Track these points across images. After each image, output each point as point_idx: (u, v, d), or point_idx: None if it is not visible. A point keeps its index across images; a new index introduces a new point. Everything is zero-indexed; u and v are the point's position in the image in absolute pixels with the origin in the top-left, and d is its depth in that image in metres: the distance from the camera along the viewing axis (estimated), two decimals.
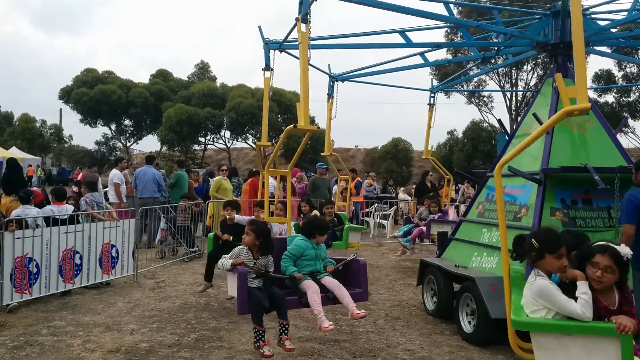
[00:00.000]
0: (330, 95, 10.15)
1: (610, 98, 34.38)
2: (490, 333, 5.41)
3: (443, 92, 30.57)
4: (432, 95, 11.02)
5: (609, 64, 34.39)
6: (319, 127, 5.00)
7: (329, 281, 5.05)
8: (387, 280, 8.72)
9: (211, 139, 44.19)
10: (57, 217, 7.13)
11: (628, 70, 32.32)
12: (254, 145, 40.72)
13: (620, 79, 32.44)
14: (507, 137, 7.25)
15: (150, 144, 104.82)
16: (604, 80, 32.11)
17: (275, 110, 36.24)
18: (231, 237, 6.74)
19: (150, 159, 12.38)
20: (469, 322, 5.69)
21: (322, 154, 10.76)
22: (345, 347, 5.34)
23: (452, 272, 6.11)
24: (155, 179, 11.58)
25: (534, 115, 6.02)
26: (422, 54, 8.82)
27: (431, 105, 10.97)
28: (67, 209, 8.02)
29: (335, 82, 10.14)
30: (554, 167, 5.67)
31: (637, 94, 33.89)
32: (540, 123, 5.94)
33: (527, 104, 35.44)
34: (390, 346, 5.43)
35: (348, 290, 4.99)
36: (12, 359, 4.83)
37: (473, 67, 16.56)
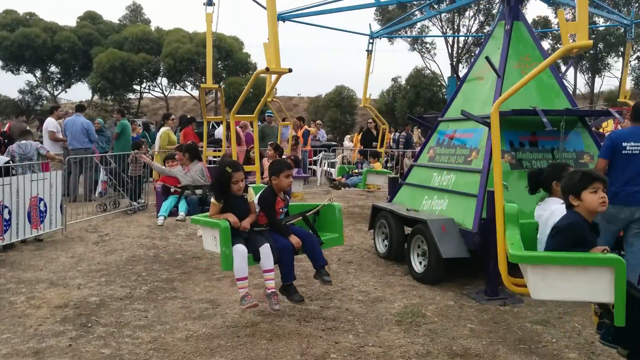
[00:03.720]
0: None
1: (546, 45, 35.41)
2: (441, 272, 5.59)
3: (387, 38, 30.42)
4: (371, 41, 10.73)
5: (546, 10, 35.26)
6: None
7: None
8: None
9: (147, 87, 42.30)
10: None
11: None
12: (195, 93, 39.53)
13: (556, 25, 33.36)
14: (457, 82, 7.29)
15: (80, 92, 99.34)
16: (541, 26, 32.93)
17: (215, 57, 34.98)
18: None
19: (80, 107, 11.70)
20: (420, 263, 5.84)
21: (270, 100, 10.41)
22: (301, 291, 5.34)
23: (404, 216, 6.21)
24: (84, 129, 10.96)
25: (486, 58, 6.04)
26: None
27: (369, 52, 10.70)
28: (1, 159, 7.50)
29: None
30: (505, 110, 5.75)
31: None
32: (492, 66, 6.00)
33: (468, 50, 36.03)
34: (345, 289, 5.51)
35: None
36: None
37: (416, 12, 16.45)
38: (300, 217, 4.89)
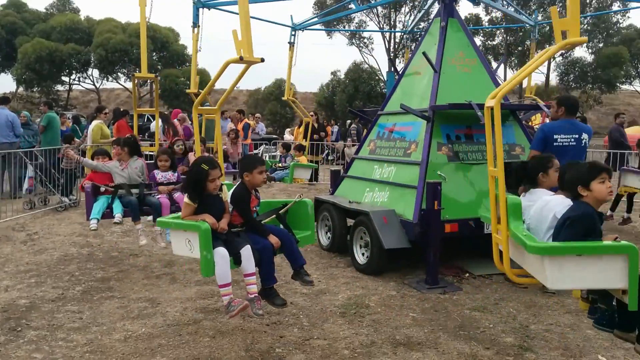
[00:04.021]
0: (195, 24, 8.96)
1: (477, 41, 36.71)
2: (383, 263, 5.68)
3: (325, 33, 30.55)
4: (293, 33, 10.53)
5: (477, 9, 36.56)
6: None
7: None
8: None
9: (77, 79, 40.41)
10: None
11: (493, 15, 34.61)
12: (129, 85, 38.11)
13: (487, 23, 34.68)
14: (396, 76, 7.41)
15: (3, 83, 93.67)
16: (472, 23, 34.06)
17: (149, 48, 33.89)
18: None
19: (4, 100, 10.99)
20: (363, 254, 5.91)
21: (187, 91, 9.93)
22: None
23: (347, 208, 6.26)
24: (9, 123, 10.31)
25: (424, 54, 6.17)
26: None
27: (291, 44, 10.51)
28: None
29: (201, 9, 8.97)
30: (442, 104, 5.90)
31: (500, 37, 36.53)
32: (430, 61, 6.13)
33: (404, 46, 36.75)
34: (288, 282, 5.46)
35: None
36: None
37: (351, 4, 16.48)
38: (274, 216, 4.54)
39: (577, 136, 5.04)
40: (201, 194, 3.93)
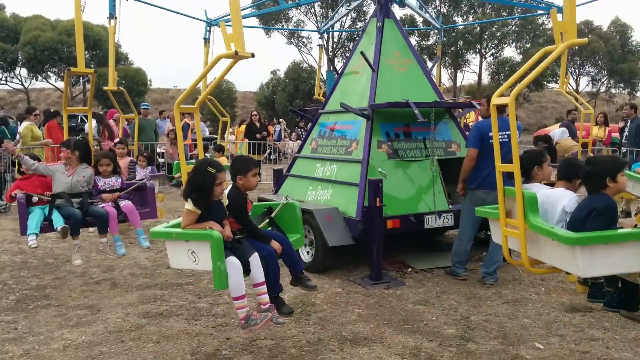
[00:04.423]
0: (112, 16, 8.33)
1: (413, 41, 37.64)
2: (328, 260, 5.74)
3: (264, 31, 30.41)
4: (208, 29, 10.33)
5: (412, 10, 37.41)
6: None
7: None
8: None
9: (3, 78, 38.28)
10: None
11: (427, 16, 35.55)
12: (60, 85, 36.46)
13: (421, 24, 35.59)
14: (335, 76, 7.49)
15: None
16: (407, 24, 34.88)
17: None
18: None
19: None
20: (307, 253, 5.95)
21: (104, 87, 9.33)
22: (189, 289, 5.23)
23: None
24: None
25: (362, 53, 6.28)
26: None
27: (206, 40, 10.31)
28: None
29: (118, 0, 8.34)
30: (381, 102, 6.03)
31: (434, 38, 37.63)
32: (368, 61, 6.25)
33: (342, 45, 37.20)
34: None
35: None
36: None
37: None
38: (267, 220, 4.37)
39: (509, 132, 5.28)
40: (208, 200, 3.62)
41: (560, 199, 3.53)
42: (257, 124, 14.40)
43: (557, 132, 11.38)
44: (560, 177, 3.81)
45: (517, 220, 3.37)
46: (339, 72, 7.33)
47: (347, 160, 6.18)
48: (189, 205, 3.59)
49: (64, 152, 5.51)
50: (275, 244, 3.90)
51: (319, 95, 10.68)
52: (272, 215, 4.36)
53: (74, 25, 6.79)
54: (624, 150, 10.46)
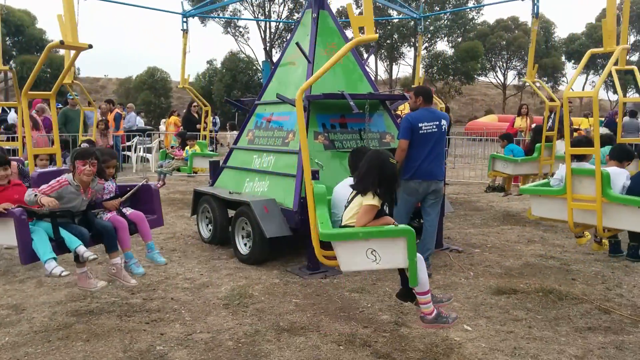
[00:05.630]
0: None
1: (349, 33, 37.91)
2: (265, 252, 5.74)
3: (198, 19, 29.75)
4: (185, 20, 10.42)
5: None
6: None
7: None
8: None
9: None
10: None
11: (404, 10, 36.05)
12: None
13: (395, 13, 35.97)
14: (272, 66, 7.43)
15: None
16: (344, 16, 35.10)
17: (2, 32, 30.60)
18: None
19: None
20: (245, 244, 5.92)
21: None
22: (121, 285, 5.06)
23: (227, 199, 6.21)
24: None
25: (297, 44, 6.27)
26: None
27: (185, 31, 10.41)
28: None
29: None
30: (317, 94, 6.06)
31: (381, 32, 38.13)
32: (303, 52, 6.25)
33: (280, 36, 36.93)
34: (169, 277, 5.35)
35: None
36: None
37: None
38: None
39: (437, 123, 5.44)
40: (392, 194, 3.42)
41: (620, 175, 4.78)
42: (196, 115, 14.07)
43: None
44: (613, 157, 5.17)
45: (595, 194, 4.40)
46: (275, 62, 7.29)
47: (284, 151, 6.17)
48: (373, 200, 3.35)
49: (89, 165, 4.15)
50: None
51: (184, 84, 10.87)
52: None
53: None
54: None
